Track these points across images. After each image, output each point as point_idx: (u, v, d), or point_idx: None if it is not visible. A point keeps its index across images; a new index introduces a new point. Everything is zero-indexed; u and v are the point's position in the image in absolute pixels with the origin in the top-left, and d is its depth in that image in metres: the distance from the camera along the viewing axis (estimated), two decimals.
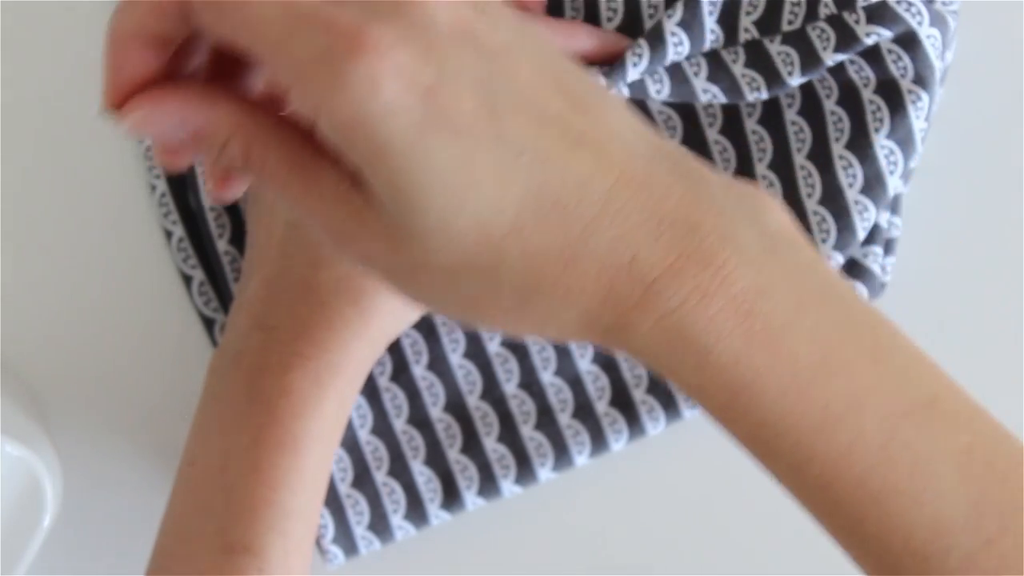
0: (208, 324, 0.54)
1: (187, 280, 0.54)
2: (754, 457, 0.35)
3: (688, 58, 0.48)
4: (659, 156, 0.34)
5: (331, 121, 0.32)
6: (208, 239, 0.53)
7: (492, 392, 0.53)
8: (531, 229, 0.33)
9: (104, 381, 0.54)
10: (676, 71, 0.48)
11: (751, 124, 0.50)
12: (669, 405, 0.52)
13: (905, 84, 0.47)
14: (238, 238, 0.52)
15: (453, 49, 0.32)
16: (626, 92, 0.48)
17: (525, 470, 0.53)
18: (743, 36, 0.48)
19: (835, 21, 0.47)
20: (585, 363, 0.53)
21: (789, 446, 0.34)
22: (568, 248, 0.33)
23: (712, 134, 0.51)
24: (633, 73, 0.47)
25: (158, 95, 0.34)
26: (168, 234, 0.54)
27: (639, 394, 0.53)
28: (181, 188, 0.54)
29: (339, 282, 0.46)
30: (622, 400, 0.53)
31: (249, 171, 0.35)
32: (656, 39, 0.47)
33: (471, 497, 0.53)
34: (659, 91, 0.48)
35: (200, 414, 0.48)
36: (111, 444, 0.54)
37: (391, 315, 0.48)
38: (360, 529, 0.53)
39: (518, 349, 0.53)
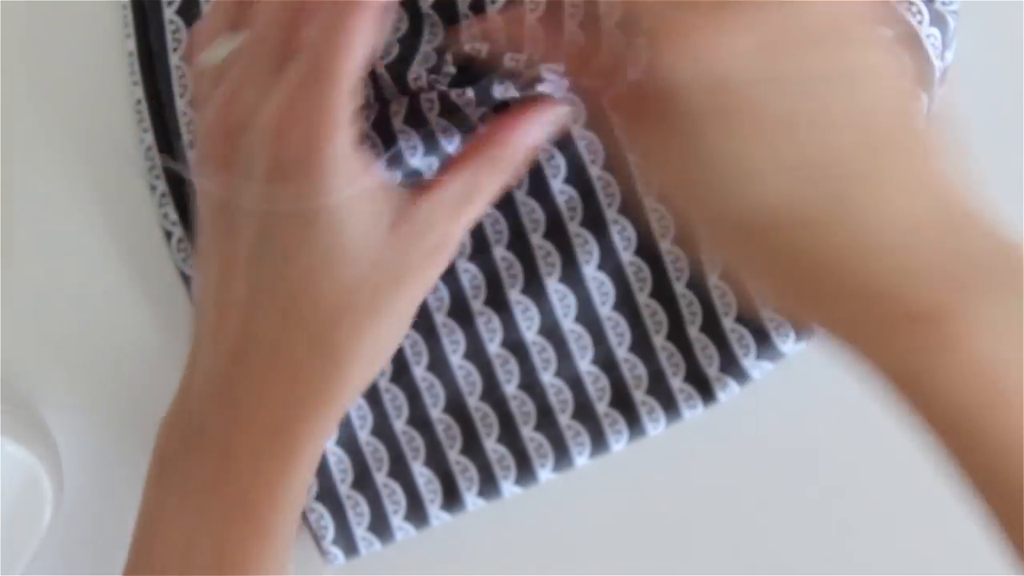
0: None
1: (187, 280, 0.54)
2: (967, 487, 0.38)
3: None
4: (956, 215, 0.37)
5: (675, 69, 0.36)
6: None
7: (492, 393, 0.53)
8: (819, 226, 0.37)
9: (104, 381, 0.54)
10: None
11: None
12: (669, 406, 0.52)
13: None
14: None
15: (799, 51, 0.36)
16: None
17: (525, 471, 0.53)
18: None
19: None
20: (585, 364, 0.53)
21: (1004, 493, 0.37)
22: (848, 259, 0.37)
23: None
24: None
25: None
26: (168, 234, 0.54)
27: (639, 395, 0.53)
28: (181, 188, 0.54)
29: (312, 343, 0.44)
30: (622, 401, 0.53)
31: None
32: None
33: (471, 498, 0.53)
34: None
35: (155, 489, 0.47)
36: (111, 444, 0.54)
37: (371, 362, 0.46)
38: (360, 530, 0.53)
39: (518, 350, 0.53)
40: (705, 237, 0.39)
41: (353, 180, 0.42)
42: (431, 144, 0.48)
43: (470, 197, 0.45)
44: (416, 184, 0.47)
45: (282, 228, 0.43)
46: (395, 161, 0.48)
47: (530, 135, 0.46)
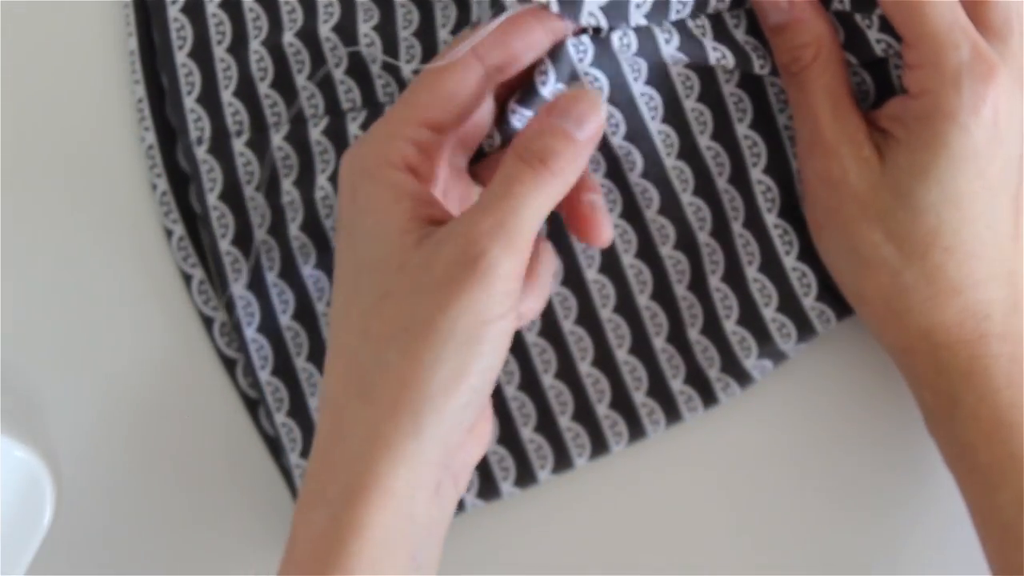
0: (207, 323, 0.54)
1: (187, 279, 0.54)
2: (985, 482, 0.47)
3: (693, 17, 0.47)
4: None
5: (931, 105, 0.44)
6: (211, 239, 0.53)
7: (493, 394, 0.53)
8: (957, 258, 0.45)
9: (104, 380, 0.54)
10: (682, 27, 0.48)
11: (743, 129, 0.50)
12: (669, 408, 0.52)
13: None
14: (241, 239, 0.52)
15: (1016, 121, 0.45)
16: (635, 42, 0.47)
17: (524, 472, 0.53)
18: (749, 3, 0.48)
19: (846, 20, 0.47)
20: (586, 366, 0.53)
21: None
22: (962, 286, 0.45)
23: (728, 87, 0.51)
24: (637, 16, 0.46)
25: None
26: (168, 233, 0.54)
27: (639, 397, 0.52)
28: (182, 187, 0.54)
29: (344, 372, 0.43)
30: (622, 403, 0.53)
31: (797, 78, 0.47)
32: None
33: (470, 499, 0.53)
34: (668, 40, 0.47)
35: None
36: (111, 444, 0.54)
37: (413, 405, 0.42)
38: None
39: (519, 351, 0.53)
40: (865, 223, 0.46)
41: (392, 198, 0.43)
42: None
43: (494, 201, 0.42)
44: None
45: (339, 244, 0.45)
46: None
47: (535, 120, 0.44)
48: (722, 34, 0.48)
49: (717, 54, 0.47)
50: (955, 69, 0.44)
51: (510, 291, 0.42)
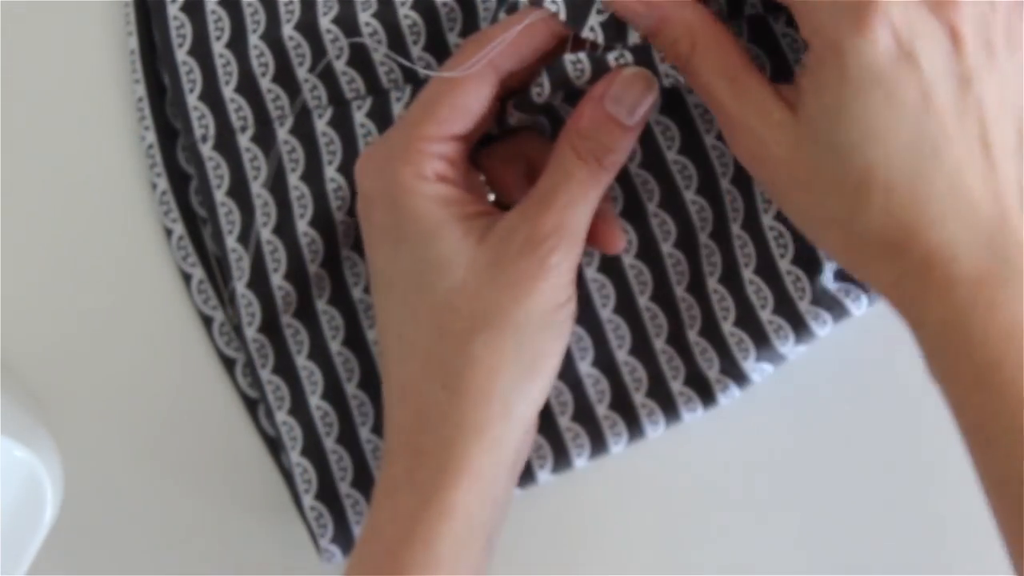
0: (207, 322, 0.54)
1: (187, 278, 0.54)
2: (971, 443, 0.42)
3: None
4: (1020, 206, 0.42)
5: (819, 45, 0.41)
6: (217, 235, 0.52)
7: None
8: (900, 195, 0.41)
9: (104, 380, 0.54)
10: None
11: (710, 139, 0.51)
12: (669, 409, 0.52)
13: None
14: (245, 237, 0.52)
15: (934, 45, 0.41)
16: (631, 60, 0.46)
17: (524, 472, 0.53)
18: (748, 10, 0.48)
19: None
20: (585, 366, 0.53)
21: (1009, 440, 0.40)
22: (917, 225, 0.41)
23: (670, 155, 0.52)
24: (634, 35, 0.46)
25: None
26: (168, 232, 0.54)
27: (639, 397, 0.52)
28: (182, 186, 0.54)
29: (424, 366, 0.46)
30: (622, 403, 0.53)
31: (686, 71, 0.44)
32: None
33: None
34: (664, 57, 0.47)
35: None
36: (111, 444, 0.54)
37: (494, 393, 0.45)
38: (359, 528, 0.53)
39: None
40: (805, 185, 0.43)
41: (438, 205, 0.45)
42: None
43: (549, 192, 0.46)
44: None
45: (379, 256, 0.47)
46: None
47: (584, 114, 0.46)
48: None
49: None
50: None
51: (572, 279, 0.46)
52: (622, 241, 0.51)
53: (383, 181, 0.46)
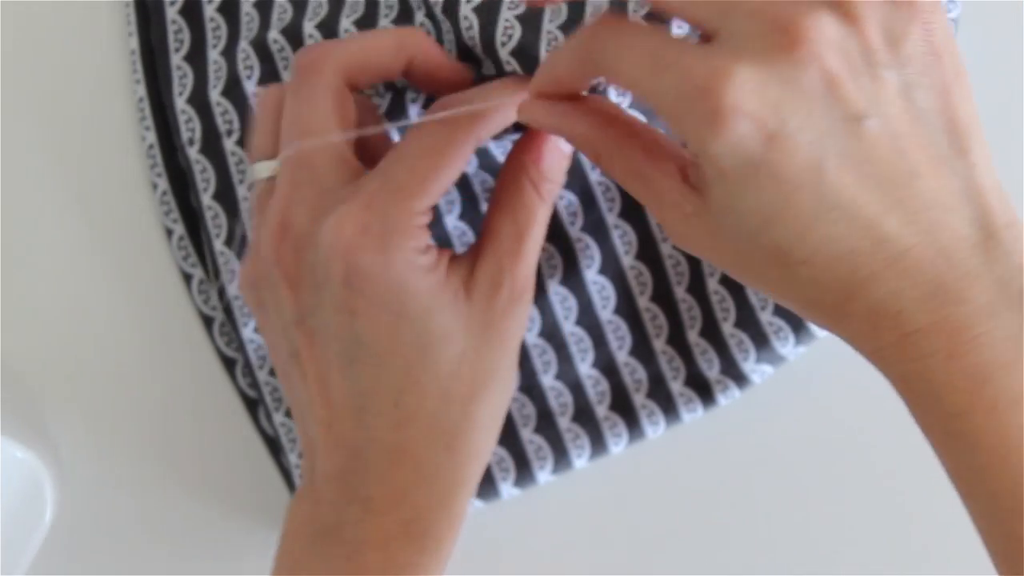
0: (207, 322, 0.54)
1: (187, 278, 0.54)
2: (957, 489, 0.40)
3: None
4: (974, 226, 0.38)
5: (691, 147, 0.39)
6: (207, 239, 0.53)
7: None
8: (822, 264, 0.38)
9: (104, 380, 0.54)
10: None
11: None
12: (669, 409, 0.52)
13: None
14: (232, 239, 0.52)
15: (806, 105, 0.37)
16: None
17: (524, 473, 0.53)
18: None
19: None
20: (586, 367, 0.53)
21: (989, 493, 0.39)
22: (849, 288, 0.38)
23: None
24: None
25: (538, 107, 0.43)
26: (169, 232, 0.54)
27: (639, 398, 0.52)
28: (182, 186, 0.54)
29: (427, 432, 0.46)
30: (622, 404, 0.53)
31: (603, 172, 0.44)
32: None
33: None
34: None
35: None
36: (111, 444, 0.55)
37: (484, 446, 0.47)
38: None
39: (519, 352, 0.52)
40: (737, 265, 0.41)
41: (428, 273, 0.45)
42: (468, 204, 0.49)
43: (519, 238, 0.46)
44: (470, 248, 0.47)
45: (370, 329, 0.44)
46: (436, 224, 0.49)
47: (546, 152, 0.47)
48: None
49: None
50: (676, 100, 0.38)
51: None
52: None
53: (387, 256, 0.44)
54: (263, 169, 0.46)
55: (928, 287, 0.38)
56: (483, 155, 0.50)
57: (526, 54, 0.45)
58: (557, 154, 0.46)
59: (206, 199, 0.52)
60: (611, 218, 0.52)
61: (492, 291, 0.46)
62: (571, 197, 0.52)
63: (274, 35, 0.52)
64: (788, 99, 0.37)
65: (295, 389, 0.47)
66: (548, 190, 0.47)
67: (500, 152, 0.50)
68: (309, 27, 0.51)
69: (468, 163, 0.45)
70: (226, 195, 0.52)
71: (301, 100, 0.45)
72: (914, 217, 0.38)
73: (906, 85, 0.38)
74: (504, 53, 0.45)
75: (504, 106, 0.45)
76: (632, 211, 0.52)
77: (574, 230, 0.52)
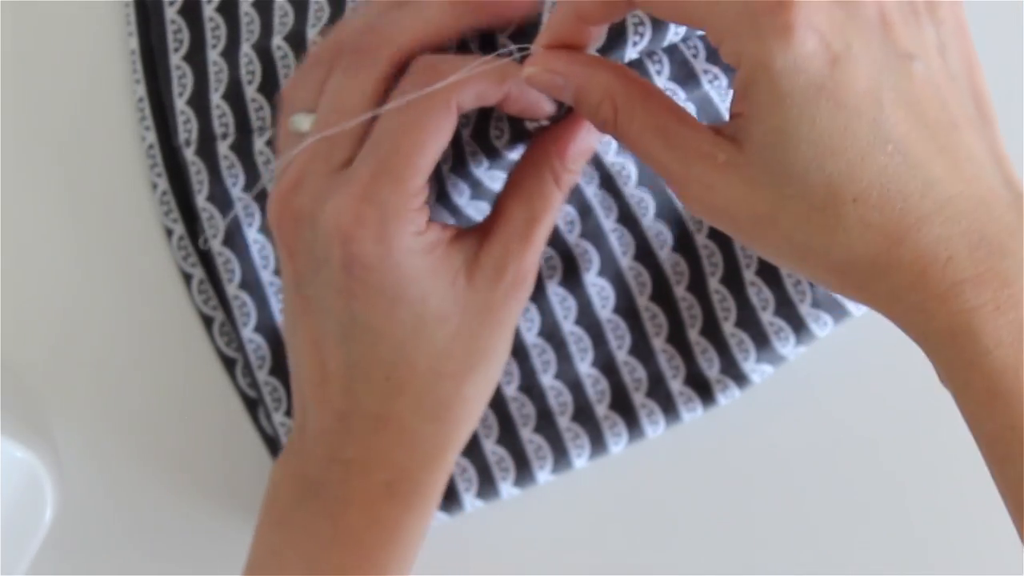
0: (207, 322, 0.54)
1: (187, 278, 0.54)
2: (988, 456, 0.39)
3: (684, 41, 0.47)
4: (1006, 187, 0.39)
5: (748, 66, 0.38)
6: (205, 240, 0.53)
7: (492, 395, 0.53)
8: (873, 203, 0.38)
9: (104, 380, 0.54)
10: (674, 52, 0.47)
11: None
12: (669, 409, 0.52)
13: None
14: (230, 239, 0.52)
15: (866, 34, 0.38)
16: None
17: (524, 472, 0.53)
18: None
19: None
20: (585, 366, 0.53)
21: None
22: (899, 231, 0.38)
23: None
24: (632, 52, 0.45)
25: (555, 56, 0.42)
26: (169, 232, 0.54)
27: (639, 397, 0.52)
28: (182, 186, 0.54)
29: (415, 404, 0.47)
30: (622, 404, 0.53)
31: (617, 136, 0.42)
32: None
33: (470, 499, 0.53)
34: (659, 71, 0.47)
35: (272, 537, 0.48)
36: (111, 444, 0.55)
37: (473, 416, 0.48)
38: None
39: (518, 352, 0.53)
40: (769, 221, 0.40)
41: (427, 255, 0.45)
42: (478, 188, 0.49)
43: (532, 224, 0.46)
44: (477, 227, 0.47)
45: (367, 311, 0.45)
46: (448, 206, 0.49)
47: (572, 144, 0.46)
48: (712, 55, 0.47)
49: (709, 76, 0.47)
50: (739, 15, 0.38)
51: None
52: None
53: (386, 246, 0.44)
54: (301, 122, 0.47)
55: (974, 236, 0.38)
56: (476, 187, 0.50)
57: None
58: (584, 146, 0.46)
59: (200, 200, 0.52)
60: (608, 223, 0.52)
61: (496, 275, 0.46)
62: (568, 208, 0.52)
63: (278, 41, 0.52)
64: (852, 25, 0.38)
65: (294, 337, 0.48)
66: (567, 181, 0.47)
67: (497, 184, 0.50)
68: (312, 33, 0.51)
69: (452, 130, 0.44)
70: (218, 199, 0.52)
71: (349, 76, 0.45)
72: (957, 165, 0.38)
73: (942, 44, 0.39)
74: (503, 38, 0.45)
75: (486, 74, 0.44)
76: (629, 219, 0.52)
77: (572, 237, 0.52)
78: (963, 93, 0.39)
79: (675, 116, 0.41)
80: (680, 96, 0.48)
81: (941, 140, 0.38)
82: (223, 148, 0.52)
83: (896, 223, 0.38)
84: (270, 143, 0.52)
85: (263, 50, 0.52)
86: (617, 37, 0.45)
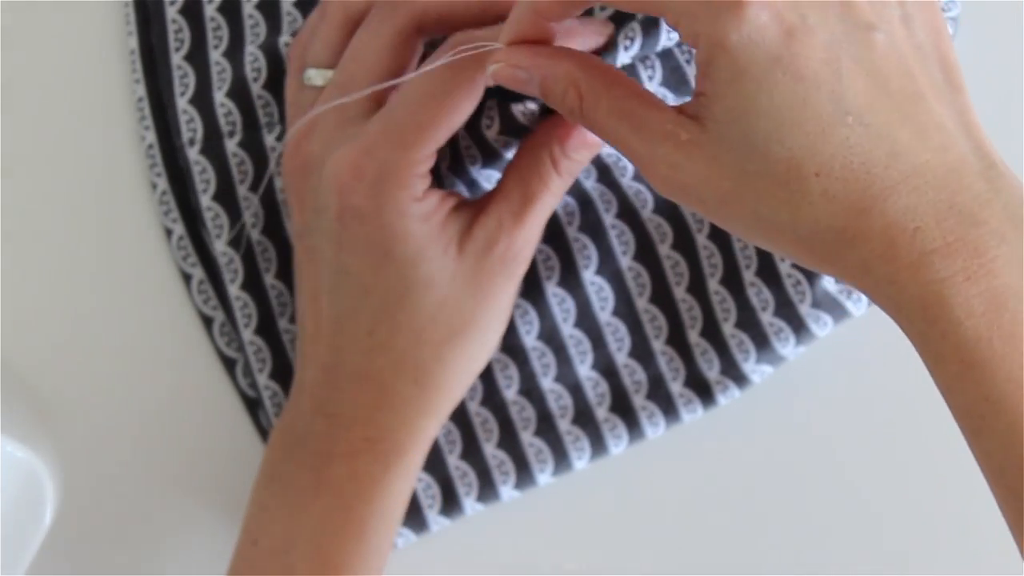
0: (207, 322, 0.54)
1: (187, 278, 0.54)
2: (965, 428, 0.38)
3: (679, 46, 0.47)
4: (976, 155, 0.38)
5: (705, 45, 0.38)
6: (208, 240, 0.53)
7: (492, 398, 0.53)
8: (836, 176, 0.37)
9: (104, 380, 0.54)
10: (668, 57, 0.48)
11: None
12: (669, 410, 0.52)
13: None
14: (236, 240, 0.52)
15: (822, 6, 0.37)
16: None
17: (524, 476, 0.53)
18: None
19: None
20: (585, 369, 0.53)
21: (1004, 425, 0.37)
22: (864, 201, 0.37)
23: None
24: (624, 57, 0.46)
25: (517, 51, 0.42)
26: (168, 232, 0.54)
27: (639, 400, 0.52)
28: (182, 186, 0.54)
29: (396, 365, 0.48)
30: (622, 406, 0.53)
31: (583, 123, 0.42)
32: (650, 23, 0.46)
33: (470, 503, 0.53)
34: (651, 77, 0.48)
35: (262, 493, 0.50)
36: (111, 444, 0.54)
37: (456, 384, 0.49)
38: None
39: (518, 355, 0.53)
40: (734, 197, 0.39)
41: (423, 222, 0.46)
42: (491, 156, 0.49)
43: (527, 203, 0.47)
44: (477, 200, 0.48)
45: (357, 263, 0.46)
46: (459, 172, 0.50)
47: (575, 131, 0.47)
48: None
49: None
50: (688, 1, 0.38)
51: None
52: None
53: (377, 202, 0.45)
54: (316, 77, 0.48)
55: (943, 206, 0.37)
56: (472, 188, 0.50)
57: None
58: (588, 138, 0.47)
59: (205, 200, 0.52)
60: (608, 218, 0.52)
61: (486, 248, 0.47)
62: (569, 199, 0.52)
63: (286, 39, 0.52)
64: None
65: (300, 290, 0.50)
66: (566, 167, 0.47)
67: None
68: None
69: (473, 107, 0.45)
70: (226, 196, 0.52)
71: (371, 33, 0.46)
72: (924, 134, 0.38)
73: (906, 15, 0.39)
74: None
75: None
76: (629, 213, 0.52)
77: (571, 230, 0.52)
78: (929, 62, 0.39)
79: (639, 99, 0.41)
80: (670, 100, 0.48)
81: (906, 109, 0.38)
82: (231, 145, 0.52)
83: (861, 194, 0.38)
84: (280, 138, 0.52)
85: (269, 47, 0.52)
86: (607, 43, 0.45)
